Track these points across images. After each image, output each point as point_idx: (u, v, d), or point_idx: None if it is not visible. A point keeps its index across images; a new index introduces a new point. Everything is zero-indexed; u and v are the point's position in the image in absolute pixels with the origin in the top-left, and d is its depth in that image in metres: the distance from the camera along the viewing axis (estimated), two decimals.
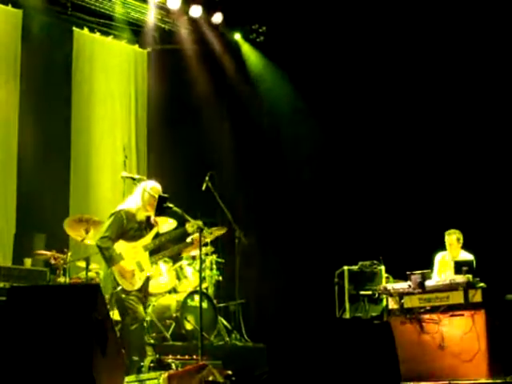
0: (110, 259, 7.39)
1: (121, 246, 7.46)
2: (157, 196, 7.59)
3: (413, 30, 11.27)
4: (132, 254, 7.49)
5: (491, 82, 10.93)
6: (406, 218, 11.24)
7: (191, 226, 7.68)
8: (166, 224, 8.92)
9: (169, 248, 7.98)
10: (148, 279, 7.74)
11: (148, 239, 7.63)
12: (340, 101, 12.04)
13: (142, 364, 7.05)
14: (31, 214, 10.51)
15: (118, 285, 7.33)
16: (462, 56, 11.09)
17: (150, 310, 9.13)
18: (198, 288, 8.82)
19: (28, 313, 4.85)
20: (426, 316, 8.18)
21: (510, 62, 10.77)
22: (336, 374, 4.79)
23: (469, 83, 11.05)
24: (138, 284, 7.47)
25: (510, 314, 8.29)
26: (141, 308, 7.45)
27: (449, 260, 9.24)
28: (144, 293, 7.67)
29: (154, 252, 7.86)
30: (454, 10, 10.94)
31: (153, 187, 7.71)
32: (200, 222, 7.66)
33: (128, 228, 7.52)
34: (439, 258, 9.54)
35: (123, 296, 7.32)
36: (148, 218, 7.72)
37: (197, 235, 7.70)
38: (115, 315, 7.67)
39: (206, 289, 9.71)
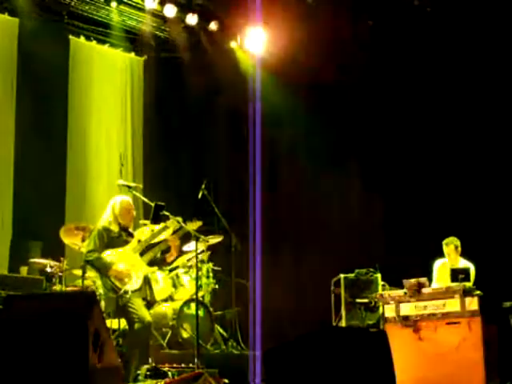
0: (102, 267, 7.49)
1: (110, 254, 7.54)
2: (127, 207, 7.76)
3: (413, 32, 11.30)
4: (123, 257, 7.55)
5: (490, 90, 10.96)
6: (402, 225, 11.25)
7: (171, 222, 7.74)
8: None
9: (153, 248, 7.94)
10: (150, 284, 7.79)
11: (134, 243, 7.69)
12: (339, 107, 12.06)
13: (138, 372, 7.04)
14: (27, 222, 10.50)
15: (119, 289, 7.36)
16: (462, 60, 11.12)
17: None
18: (194, 296, 8.81)
19: (24, 321, 4.84)
20: (423, 324, 8.18)
21: (509, 66, 10.80)
22: (332, 383, 4.78)
23: (467, 91, 11.08)
24: (138, 283, 7.52)
25: (507, 322, 8.30)
26: (146, 312, 7.48)
27: (448, 268, 9.25)
28: (150, 298, 7.73)
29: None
30: (455, 10, 10.97)
31: (122, 201, 7.81)
32: (180, 218, 7.75)
33: (109, 238, 7.63)
34: (438, 265, 9.55)
35: (126, 300, 7.33)
36: (125, 229, 7.79)
37: (172, 236, 7.78)
38: (114, 324, 7.70)
39: (203, 297, 9.69)
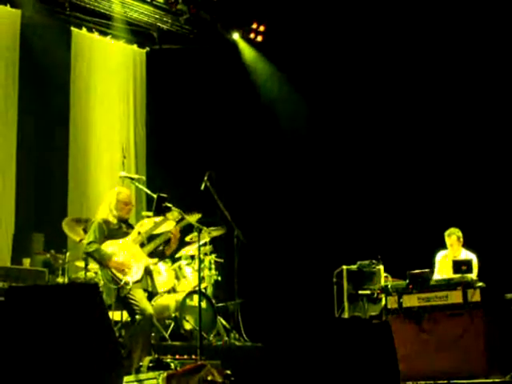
0: (102, 258, 7.48)
1: (110, 245, 7.54)
2: (124, 200, 7.74)
3: (412, 28, 11.28)
4: (123, 248, 7.56)
5: (491, 81, 10.94)
6: (405, 216, 11.25)
7: (171, 213, 7.73)
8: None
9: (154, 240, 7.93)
10: (152, 276, 7.79)
11: (134, 235, 7.69)
12: (340, 99, 12.05)
13: (140, 364, 7.05)
14: (30, 214, 10.52)
15: (120, 280, 7.37)
16: (461, 53, 11.11)
17: None
18: (196, 288, 8.81)
19: (26, 313, 4.85)
20: (425, 315, 8.18)
21: (509, 61, 10.79)
22: (335, 374, 4.79)
23: (469, 80, 11.07)
24: (139, 274, 7.52)
25: (509, 314, 8.30)
26: (147, 304, 7.48)
27: (450, 259, 9.25)
28: (152, 289, 7.73)
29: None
30: (454, 9, 10.96)
31: (118, 193, 7.81)
32: (178, 210, 7.75)
33: (109, 230, 7.63)
34: (440, 256, 9.54)
35: (127, 292, 7.34)
36: (125, 220, 7.80)
37: (173, 228, 7.77)
38: (116, 315, 7.71)
39: (205, 288, 9.70)
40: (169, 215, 7.78)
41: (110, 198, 7.76)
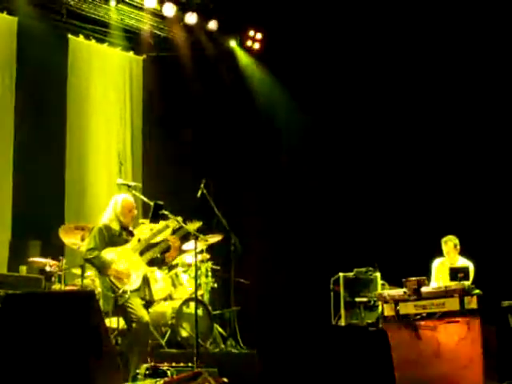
0: (101, 266, 7.47)
1: (109, 252, 7.53)
2: (128, 207, 7.75)
3: (411, 29, 11.30)
4: (123, 256, 7.55)
5: (489, 87, 10.97)
6: (402, 224, 11.25)
7: (171, 221, 7.73)
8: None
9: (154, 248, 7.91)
10: (149, 284, 7.79)
11: (134, 242, 7.68)
12: (337, 107, 12.06)
13: (137, 371, 7.04)
14: (26, 221, 10.49)
15: (118, 288, 7.36)
16: (461, 57, 11.13)
17: None
18: (193, 295, 8.80)
19: (23, 320, 4.84)
20: (422, 323, 8.18)
21: (509, 63, 10.81)
22: (332, 382, 4.78)
23: (466, 88, 11.09)
24: (138, 282, 7.51)
25: (506, 321, 8.30)
26: (144, 312, 7.47)
27: (446, 266, 9.25)
28: (149, 297, 7.73)
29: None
30: (454, 9, 10.98)
31: (123, 199, 7.80)
32: (180, 218, 7.75)
33: (110, 236, 7.62)
34: (437, 264, 9.54)
35: (124, 300, 7.33)
36: (126, 227, 7.79)
37: (172, 236, 7.77)
38: (113, 323, 7.69)
39: (202, 296, 9.69)
40: (169, 223, 7.78)
41: (115, 204, 7.74)
